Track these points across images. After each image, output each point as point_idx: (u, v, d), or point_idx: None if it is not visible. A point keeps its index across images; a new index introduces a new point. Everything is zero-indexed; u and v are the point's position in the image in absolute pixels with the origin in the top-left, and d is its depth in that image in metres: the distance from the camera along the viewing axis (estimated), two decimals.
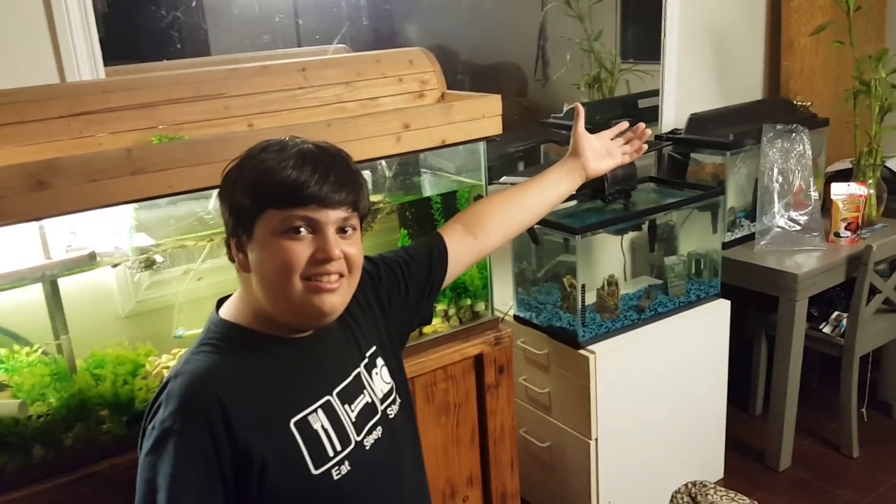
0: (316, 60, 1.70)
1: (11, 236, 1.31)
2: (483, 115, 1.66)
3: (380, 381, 1.23)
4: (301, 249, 1.05)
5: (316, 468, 1.08)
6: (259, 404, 1.06)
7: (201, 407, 1.01)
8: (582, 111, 1.55)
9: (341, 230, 1.09)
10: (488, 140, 1.73)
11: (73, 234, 1.46)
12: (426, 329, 1.78)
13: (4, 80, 1.51)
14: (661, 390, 2.24)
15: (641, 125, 1.62)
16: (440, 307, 1.81)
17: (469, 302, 1.84)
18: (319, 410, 1.11)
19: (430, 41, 2.46)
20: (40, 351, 1.49)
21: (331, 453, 1.10)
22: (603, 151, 1.57)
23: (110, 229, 1.51)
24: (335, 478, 1.09)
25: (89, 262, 1.43)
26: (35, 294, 1.48)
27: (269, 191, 1.05)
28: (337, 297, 1.09)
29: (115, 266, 1.53)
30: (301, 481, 1.06)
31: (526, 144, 2.77)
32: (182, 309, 1.66)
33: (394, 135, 1.55)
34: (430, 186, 1.87)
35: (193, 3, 1.91)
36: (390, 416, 1.22)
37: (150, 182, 1.31)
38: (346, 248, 1.09)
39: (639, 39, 2.88)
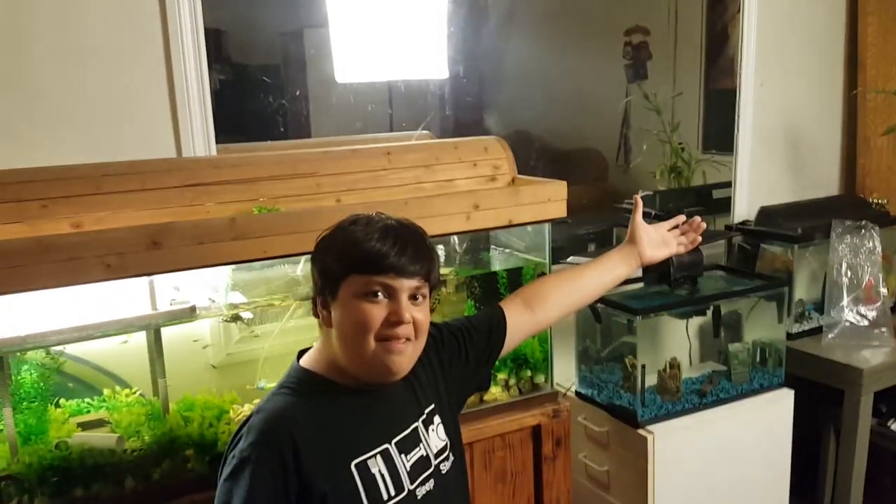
0: (400, 146, 1.89)
1: (125, 288, 1.51)
2: (549, 199, 1.79)
3: (435, 437, 1.34)
4: (377, 311, 1.20)
5: None
6: (326, 444, 1.18)
7: (277, 441, 1.15)
8: (640, 203, 1.66)
9: (413, 297, 1.23)
10: (555, 222, 1.85)
11: (177, 289, 1.65)
12: (486, 397, 1.88)
13: (132, 152, 1.75)
14: (721, 476, 2.24)
15: (697, 219, 1.71)
16: (501, 376, 1.90)
17: (529, 373, 1.93)
18: (378, 456, 1.23)
19: (509, 129, 2.65)
20: (138, 393, 1.67)
21: (385, 497, 1.21)
22: (659, 241, 1.67)
23: (210, 287, 1.70)
24: None
25: (190, 314, 1.61)
26: (138, 341, 1.67)
27: (355, 258, 1.21)
28: (404, 358, 1.23)
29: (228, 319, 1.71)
30: None
31: (598, 227, 2.88)
32: (265, 363, 1.82)
33: (464, 213, 1.70)
34: (497, 262, 2.00)
35: (297, 93, 2.17)
36: (443, 472, 1.32)
37: (248, 247, 1.49)
38: (416, 313, 1.23)
39: (720, 131, 2.96)
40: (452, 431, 1.38)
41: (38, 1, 1.73)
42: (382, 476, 1.21)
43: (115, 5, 1.80)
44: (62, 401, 1.61)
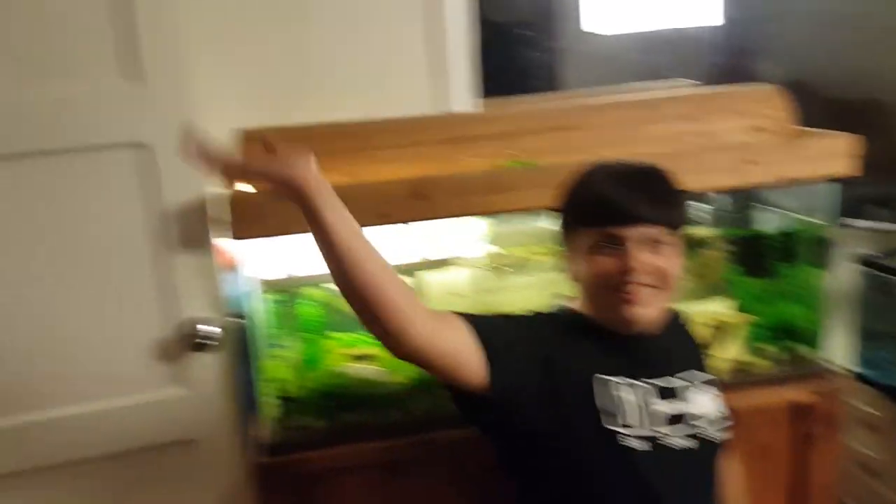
0: (663, 97, 1.79)
1: (393, 236, 1.61)
2: (833, 154, 1.60)
3: (706, 401, 1.27)
4: (609, 263, 1.17)
5: (606, 423, 1.17)
6: (576, 352, 1.21)
7: (547, 323, 1.26)
8: None
9: (652, 243, 1.17)
10: (840, 181, 1.65)
11: (437, 238, 1.73)
12: (748, 368, 1.75)
13: (399, 109, 1.85)
14: None
15: None
16: (765, 347, 1.76)
17: (799, 347, 1.76)
18: (625, 385, 1.20)
19: (789, 77, 2.40)
20: None
21: (623, 421, 1.17)
22: None
23: (467, 237, 1.76)
24: (619, 441, 1.17)
25: (447, 263, 1.68)
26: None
27: (583, 210, 1.20)
28: (643, 308, 1.18)
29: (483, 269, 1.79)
30: (592, 427, 1.17)
31: (887, 188, 2.53)
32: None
33: (733, 168, 1.57)
34: (768, 223, 1.84)
35: (558, 46, 2.15)
36: (708, 438, 1.25)
37: (504, 199, 1.52)
38: (655, 260, 1.17)
39: None
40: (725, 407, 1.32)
41: None
42: (628, 402, 1.19)
43: None
44: (336, 334, 1.78)
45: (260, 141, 1.12)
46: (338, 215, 1.04)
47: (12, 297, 1.37)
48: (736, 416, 1.70)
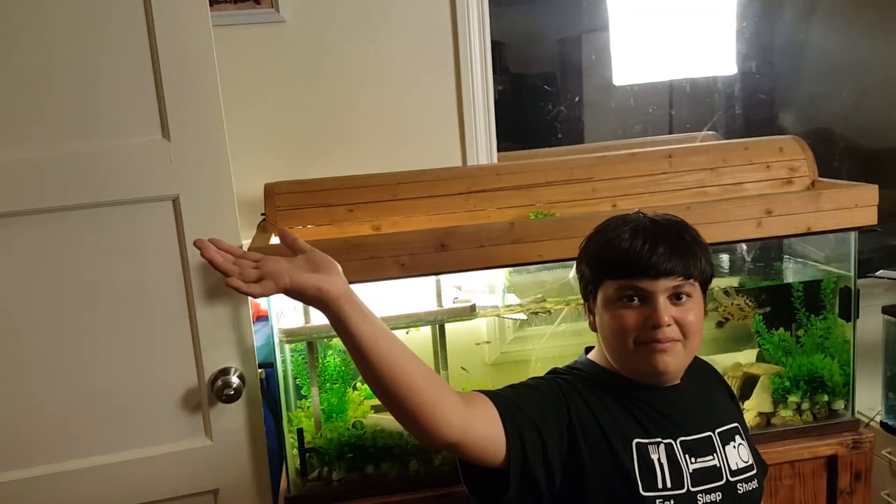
0: (682, 148, 1.81)
1: (414, 285, 1.63)
2: (855, 204, 1.60)
3: (736, 455, 1.26)
4: (633, 316, 1.18)
5: (644, 490, 1.16)
6: (607, 420, 1.19)
7: (573, 385, 1.23)
8: None
9: (675, 296, 1.18)
10: (862, 230, 1.65)
11: (459, 288, 1.75)
12: (776, 420, 1.73)
13: (423, 161, 1.89)
14: None
15: None
16: (793, 399, 1.74)
17: (826, 398, 1.74)
18: (661, 446, 1.19)
19: (808, 127, 2.42)
20: None
21: (660, 485, 1.16)
22: None
23: (487, 287, 1.77)
24: None
25: (470, 312, 1.69)
26: (424, 335, 1.79)
27: (604, 263, 1.21)
28: (671, 357, 1.18)
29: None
30: (630, 495, 1.16)
31: None
32: (537, 364, 1.86)
33: (755, 220, 1.58)
34: (792, 273, 1.84)
35: (576, 99, 2.18)
36: (739, 491, 1.23)
37: (525, 251, 1.53)
38: (679, 313, 1.18)
39: None
40: (757, 460, 1.30)
41: (344, 24, 1.94)
42: (661, 465, 1.18)
43: (412, 24, 1.95)
44: (358, 384, 1.78)
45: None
46: (368, 323, 1.07)
47: (46, 347, 1.39)
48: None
